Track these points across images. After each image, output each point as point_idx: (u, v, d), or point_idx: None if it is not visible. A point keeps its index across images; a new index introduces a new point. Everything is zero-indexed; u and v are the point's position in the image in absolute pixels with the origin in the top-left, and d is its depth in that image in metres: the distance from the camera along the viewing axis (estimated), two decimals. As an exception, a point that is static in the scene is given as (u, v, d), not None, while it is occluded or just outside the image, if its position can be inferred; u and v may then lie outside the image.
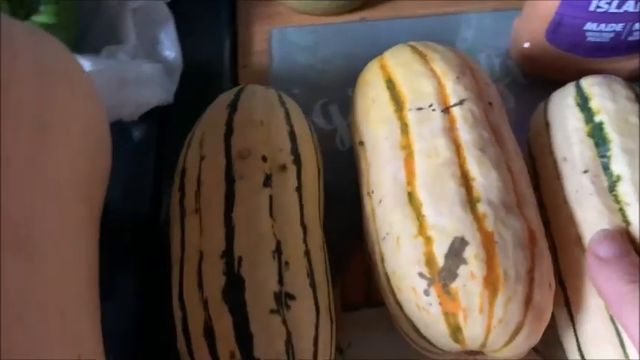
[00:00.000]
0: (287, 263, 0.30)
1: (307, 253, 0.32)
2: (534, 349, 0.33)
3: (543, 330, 0.30)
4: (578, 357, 0.32)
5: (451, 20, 0.53)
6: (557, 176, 0.34)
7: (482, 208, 0.29)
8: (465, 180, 0.31)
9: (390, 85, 0.36)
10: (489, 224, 0.29)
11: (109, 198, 0.34)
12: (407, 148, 0.33)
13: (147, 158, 0.45)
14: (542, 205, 0.35)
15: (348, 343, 0.37)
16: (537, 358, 0.35)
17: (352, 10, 0.54)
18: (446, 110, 0.33)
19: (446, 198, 0.30)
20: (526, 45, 0.46)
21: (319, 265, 0.32)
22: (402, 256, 0.30)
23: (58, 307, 0.23)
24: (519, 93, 0.48)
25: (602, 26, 0.42)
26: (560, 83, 0.46)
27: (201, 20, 0.55)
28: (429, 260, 0.29)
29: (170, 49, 0.46)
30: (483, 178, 0.31)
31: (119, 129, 0.40)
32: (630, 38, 0.42)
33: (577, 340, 0.32)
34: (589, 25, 0.42)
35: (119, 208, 0.41)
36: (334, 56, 0.52)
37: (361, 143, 0.37)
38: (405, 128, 0.34)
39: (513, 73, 0.49)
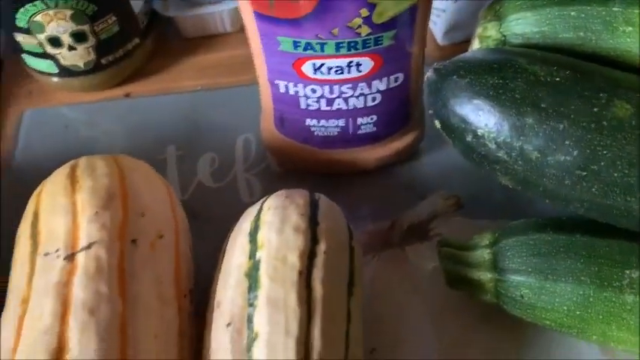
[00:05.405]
0: None
1: None
2: None
3: None
4: None
5: (220, 94, 0.49)
6: (208, 327, 0.30)
7: (62, 392, 0.25)
8: (60, 353, 0.26)
9: (35, 219, 0.32)
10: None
11: None
12: (25, 304, 0.29)
13: None
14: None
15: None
16: None
17: (117, 84, 0.50)
18: (70, 257, 0.29)
19: (30, 378, 0.26)
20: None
21: None
22: None
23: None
24: (270, 183, 0.44)
25: (324, 122, 0.38)
26: (315, 174, 0.43)
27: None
28: None
29: None
30: (80, 349, 0.26)
31: None
32: (360, 132, 0.39)
33: None
34: (309, 121, 0.38)
35: None
36: (98, 137, 0.48)
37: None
38: (30, 277, 0.29)
39: (269, 161, 0.45)
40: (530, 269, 0.32)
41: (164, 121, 0.48)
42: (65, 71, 0.47)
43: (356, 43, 0.32)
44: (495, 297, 0.34)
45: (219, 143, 0.46)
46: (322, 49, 0.32)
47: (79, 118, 0.49)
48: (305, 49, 0.32)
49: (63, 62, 0.46)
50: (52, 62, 0.46)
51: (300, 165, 0.42)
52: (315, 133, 0.39)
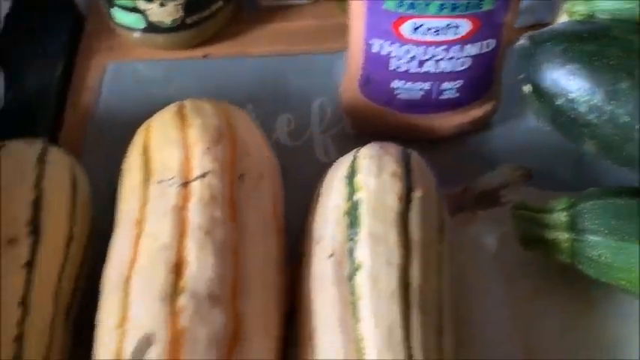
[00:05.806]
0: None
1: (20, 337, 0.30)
2: None
3: None
4: None
5: (296, 61, 0.51)
6: (309, 258, 0.32)
7: (183, 300, 0.27)
8: (179, 267, 0.28)
9: (146, 151, 0.34)
10: (184, 320, 0.27)
11: None
12: (140, 225, 0.31)
13: None
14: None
15: None
16: None
17: (196, 45, 0.52)
18: (185, 185, 0.31)
19: (151, 288, 0.28)
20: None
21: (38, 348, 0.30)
22: (100, 349, 0.28)
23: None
24: (345, 145, 0.45)
25: (409, 84, 0.40)
26: (387, 138, 0.44)
27: (40, 48, 0.53)
28: (119, 358, 0.27)
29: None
30: (198, 265, 0.28)
31: None
32: (442, 97, 0.40)
33: None
34: (395, 83, 0.40)
35: None
36: (175, 95, 0.49)
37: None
38: (144, 202, 0.31)
39: (344, 124, 0.46)
40: (607, 231, 0.34)
41: (240, 83, 0.50)
42: (151, 27, 0.49)
43: (459, 4, 0.34)
44: (570, 257, 0.35)
45: (296, 105, 0.48)
46: (425, 9, 0.34)
47: (156, 75, 0.51)
48: (409, 7, 0.34)
49: (151, 18, 0.48)
50: (140, 17, 0.48)
51: (377, 128, 0.44)
52: (398, 96, 0.41)
